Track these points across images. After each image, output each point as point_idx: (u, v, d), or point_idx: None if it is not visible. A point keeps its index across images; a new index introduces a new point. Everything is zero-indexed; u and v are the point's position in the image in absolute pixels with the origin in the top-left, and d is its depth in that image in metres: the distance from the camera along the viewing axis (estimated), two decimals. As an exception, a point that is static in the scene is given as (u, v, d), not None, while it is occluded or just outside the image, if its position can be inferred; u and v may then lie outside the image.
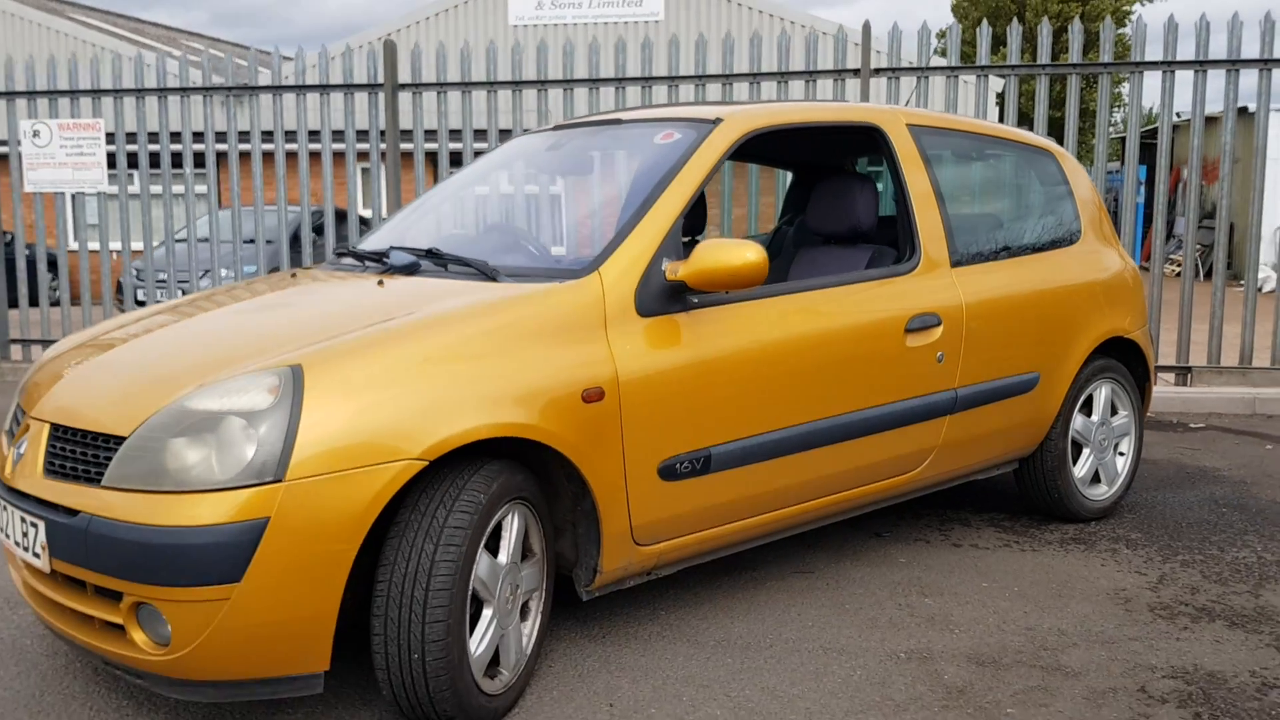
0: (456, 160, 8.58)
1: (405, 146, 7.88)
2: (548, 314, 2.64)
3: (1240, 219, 14.10)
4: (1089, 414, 4.15)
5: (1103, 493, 4.23)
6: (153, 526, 2.21)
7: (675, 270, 2.81)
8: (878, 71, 7.14)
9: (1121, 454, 4.31)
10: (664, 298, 2.83)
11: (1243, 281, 6.64)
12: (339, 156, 11.57)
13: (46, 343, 8.24)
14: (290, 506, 2.22)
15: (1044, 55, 7.03)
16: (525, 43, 15.12)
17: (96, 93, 7.96)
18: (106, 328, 3.14)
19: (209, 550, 2.19)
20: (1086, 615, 3.24)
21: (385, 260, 3.14)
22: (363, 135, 7.78)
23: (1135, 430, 4.33)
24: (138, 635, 2.31)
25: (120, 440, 2.34)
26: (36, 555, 2.45)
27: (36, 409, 2.62)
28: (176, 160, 8.56)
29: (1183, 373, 6.99)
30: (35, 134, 7.94)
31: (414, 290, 2.85)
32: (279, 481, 2.22)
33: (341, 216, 10.33)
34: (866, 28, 7.07)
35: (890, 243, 3.79)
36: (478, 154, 5.70)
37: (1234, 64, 6.78)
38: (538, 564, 2.71)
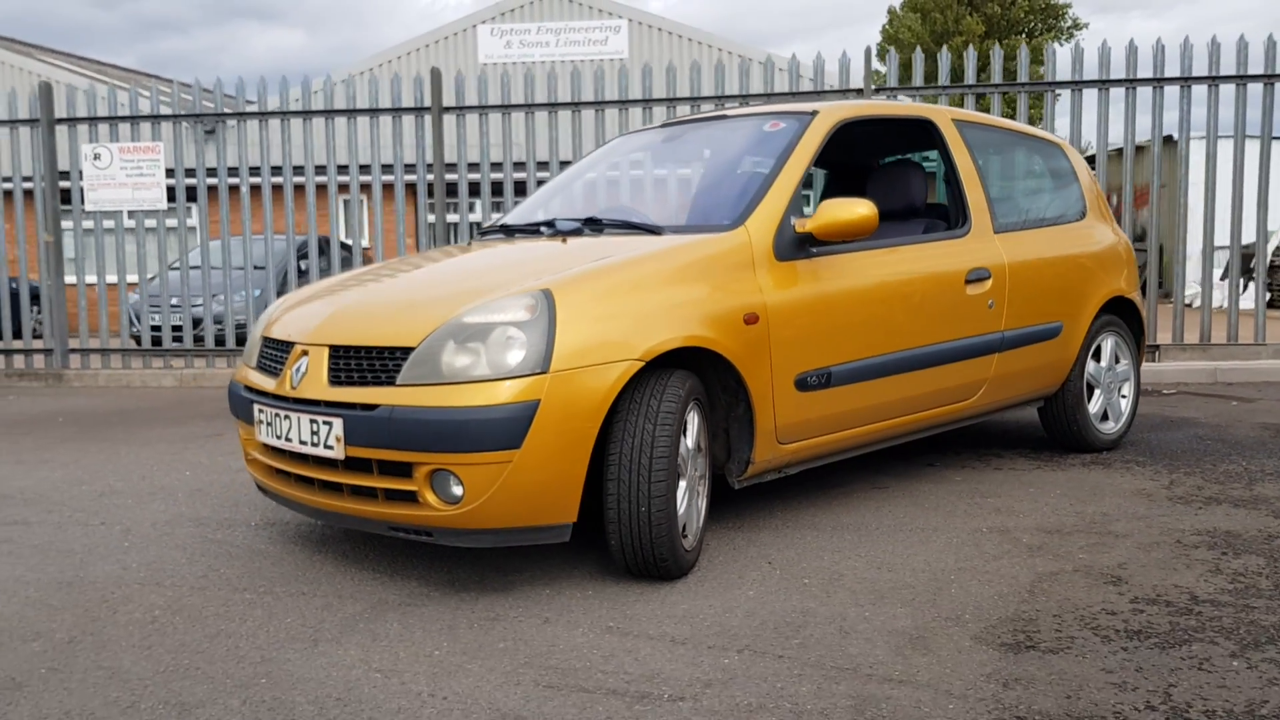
0: (480, 186, 9.30)
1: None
2: (714, 256, 3.38)
3: (1168, 241, 15.19)
4: (1098, 360, 4.96)
5: (1111, 428, 5.04)
6: (451, 408, 2.90)
7: (804, 224, 3.57)
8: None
9: (1124, 396, 5.13)
10: (793, 246, 3.58)
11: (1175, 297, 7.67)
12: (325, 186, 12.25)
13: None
14: (554, 392, 2.92)
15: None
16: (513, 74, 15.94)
17: (155, 118, 8.56)
18: (324, 285, 3.83)
19: (497, 424, 2.88)
20: (1120, 504, 4.02)
21: (552, 227, 3.86)
22: (408, 168, 8.47)
23: (1134, 377, 5.16)
24: (430, 497, 2.99)
25: (408, 350, 3.03)
26: (329, 447, 3.11)
27: (307, 338, 3.29)
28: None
29: (1152, 350, 7.89)
30: (96, 157, 8.52)
31: (598, 244, 3.57)
32: (545, 373, 2.92)
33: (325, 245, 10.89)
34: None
35: (933, 219, 4.58)
36: (520, 181, 6.40)
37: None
38: (704, 456, 3.42)
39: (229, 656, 2.71)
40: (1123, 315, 5.12)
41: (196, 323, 9.22)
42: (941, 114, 4.47)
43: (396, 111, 8.26)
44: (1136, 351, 5.19)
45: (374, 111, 8.32)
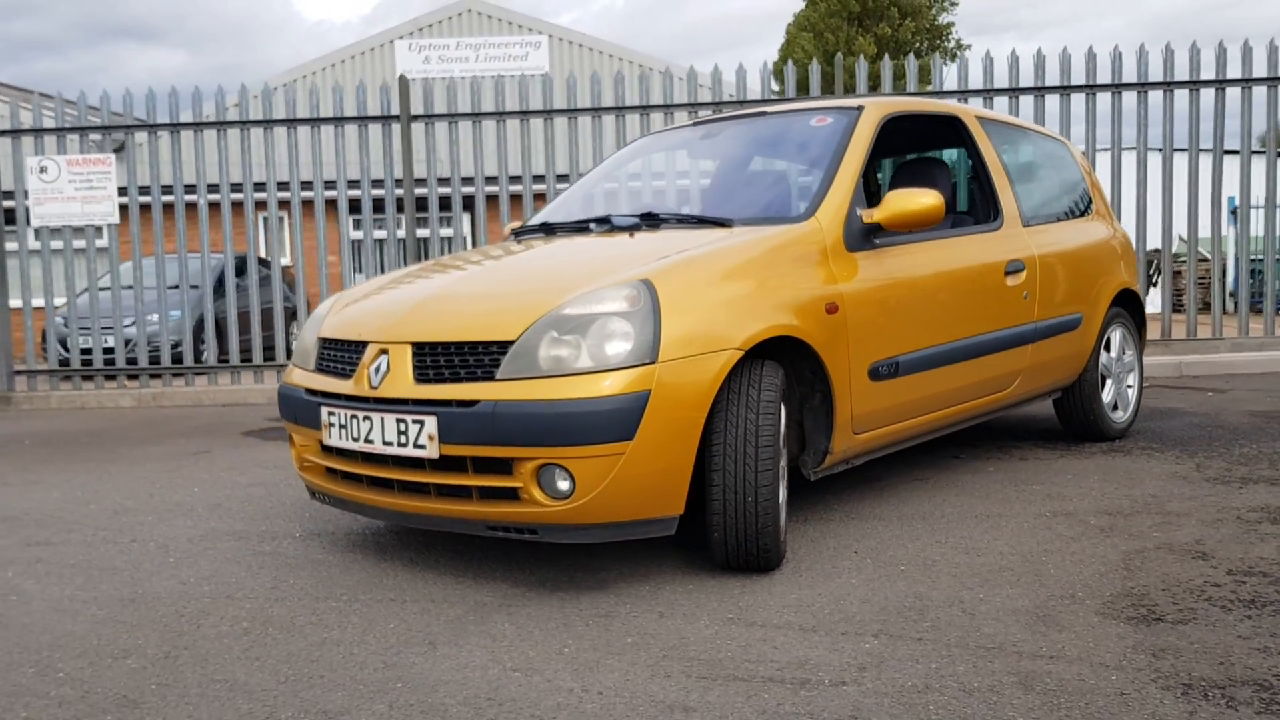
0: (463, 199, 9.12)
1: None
2: (794, 246, 3.38)
3: None
4: (1109, 351, 5.09)
5: (1121, 417, 5.17)
6: (560, 400, 2.83)
7: (871, 214, 3.59)
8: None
9: (1130, 386, 5.26)
10: (860, 237, 3.59)
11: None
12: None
13: None
14: (663, 382, 2.88)
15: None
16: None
17: (107, 129, 8.25)
18: (374, 285, 3.73)
19: (611, 415, 2.82)
20: (1163, 486, 4.12)
21: (608, 223, 3.81)
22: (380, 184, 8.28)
23: (1139, 367, 5.30)
24: (536, 493, 2.91)
25: (506, 344, 2.95)
26: (420, 447, 3.01)
27: (384, 337, 3.19)
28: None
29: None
30: (43, 170, 8.17)
31: (670, 237, 3.53)
32: (654, 363, 2.87)
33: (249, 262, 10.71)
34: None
35: (958, 214, 4.65)
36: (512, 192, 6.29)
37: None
38: (784, 448, 3.40)
39: (348, 663, 2.60)
40: (1127, 307, 5.25)
41: (126, 343, 8.94)
42: (967, 111, 4.55)
43: (363, 120, 8.10)
44: (1139, 343, 5.33)
45: (339, 120, 8.14)
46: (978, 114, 4.62)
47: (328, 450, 3.38)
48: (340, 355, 3.37)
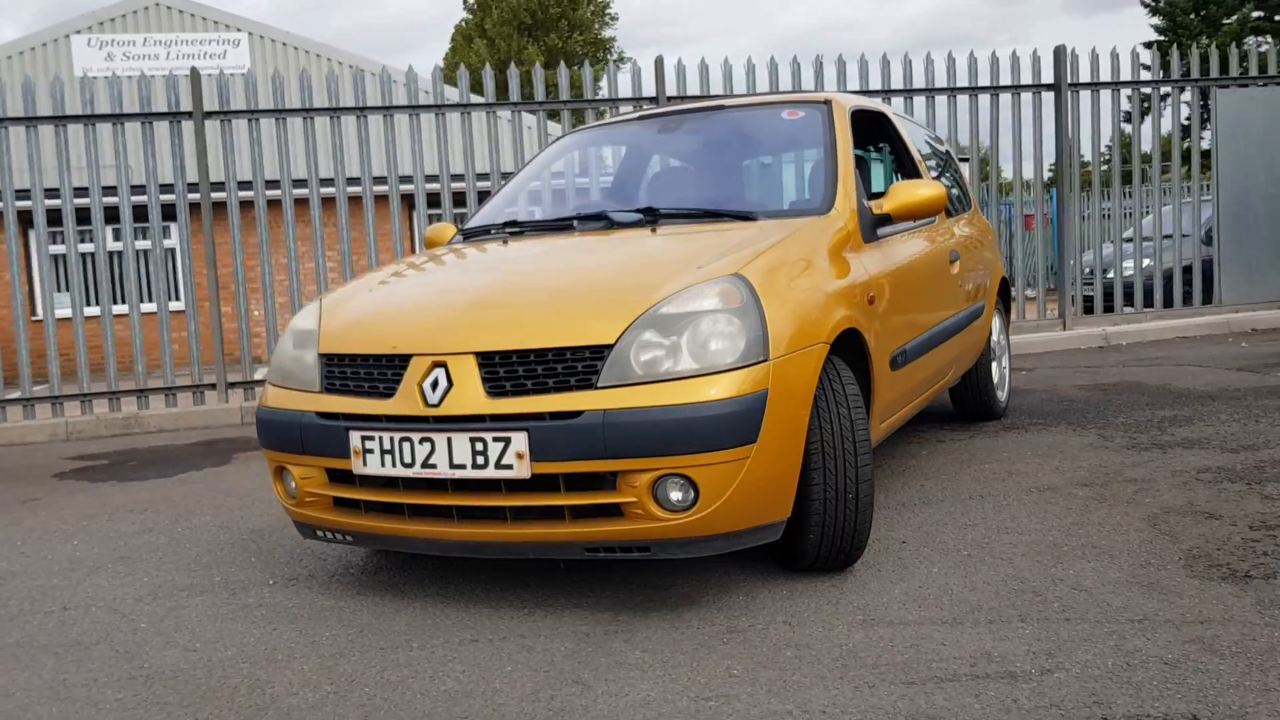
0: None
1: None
2: (830, 238, 3.32)
3: None
4: (994, 336, 5.41)
5: (1002, 396, 5.51)
6: (680, 406, 2.63)
7: (880, 205, 3.60)
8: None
9: (1004, 368, 5.62)
10: (870, 228, 3.60)
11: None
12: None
13: None
14: (777, 380, 2.74)
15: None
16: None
17: None
18: (365, 291, 3.33)
19: (735, 418, 2.65)
20: (1098, 457, 4.41)
21: (603, 219, 3.59)
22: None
23: (1009, 349, 5.67)
24: (652, 507, 2.68)
25: (601, 349, 2.71)
26: (505, 467, 2.71)
27: (437, 348, 2.84)
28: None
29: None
30: None
31: (699, 231, 3.37)
32: (767, 361, 2.73)
33: None
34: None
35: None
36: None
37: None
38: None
39: (508, 714, 2.29)
40: (1001, 294, 5.61)
41: None
42: (888, 109, 4.68)
43: (147, 117, 7.23)
44: (1007, 326, 5.71)
45: (119, 117, 7.22)
46: (894, 112, 4.76)
47: (356, 480, 2.98)
48: (368, 371, 2.97)
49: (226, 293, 12.67)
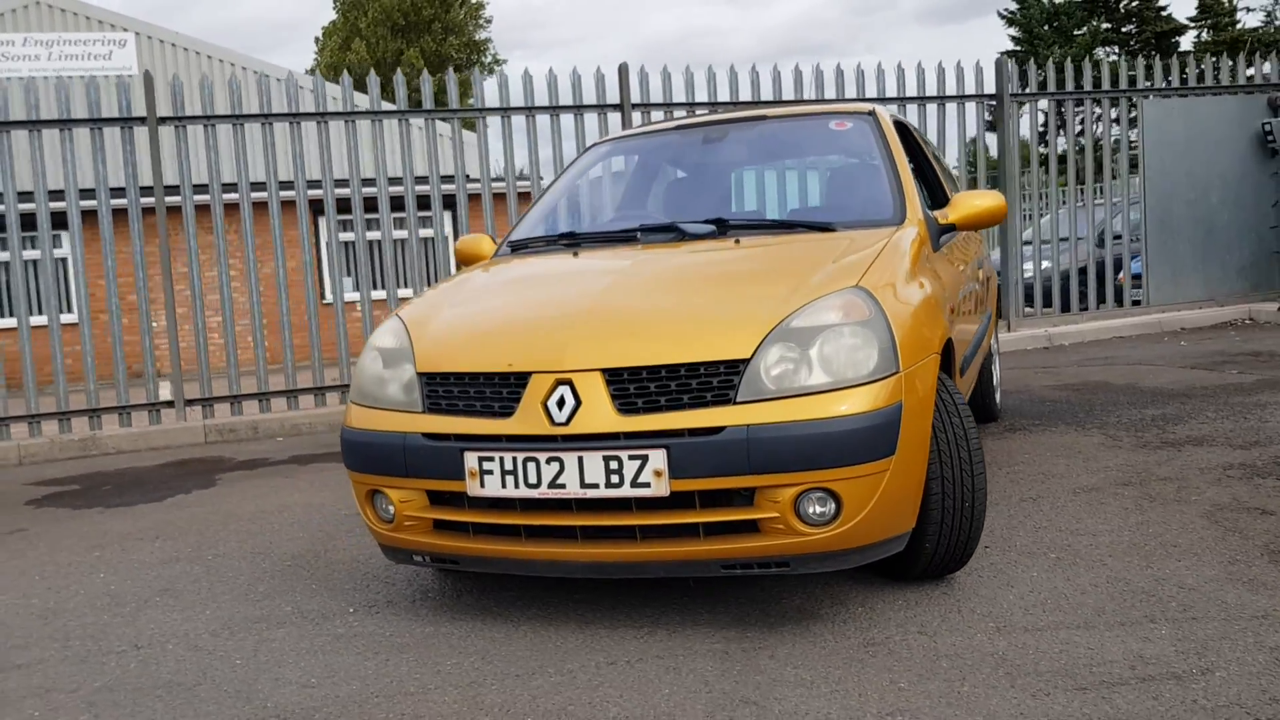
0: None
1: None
2: (915, 249, 3.36)
3: None
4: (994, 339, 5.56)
5: (998, 399, 5.66)
6: (819, 420, 2.62)
7: (945, 215, 3.65)
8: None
9: (997, 370, 5.78)
10: (936, 238, 3.65)
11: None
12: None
13: None
14: (908, 392, 2.76)
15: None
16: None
17: None
18: (450, 305, 3.24)
19: (877, 431, 2.66)
20: (1120, 457, 4.56)
21: (674, 230, 3.56)
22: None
23: (998, 354, 5.83)
24: (795, 522, 2.66)
25: (736, 363, 2.69)
26: (641, 485, 2.66)
27: (556, 365, 2.78)
28: None
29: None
30: None
31: (788, 243, 3.36)
32: (899, 373, 2.75)
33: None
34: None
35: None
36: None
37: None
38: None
39: (701, 741, 2.25)
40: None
41: None
42: (909, 122, 4.76)
43: (96, 123, 6.88)
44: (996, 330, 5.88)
45: (65, 123, 6.85)
46: (911, 123, 4.85)
47: (464, 502, 2.89)
48: (480, 390, 2.88)
49: (126, 303, 12.18)
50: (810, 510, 2.67)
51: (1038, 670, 2.47)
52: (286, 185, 9.17)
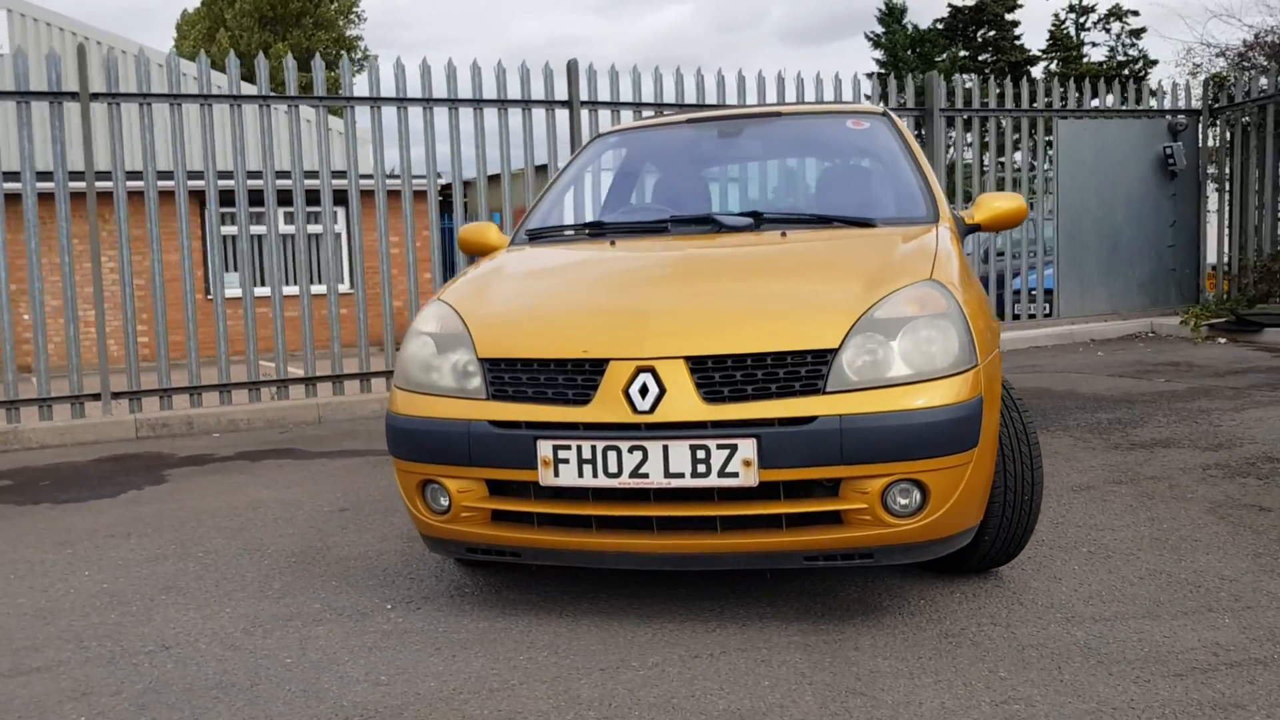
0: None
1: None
2: (959, 245, 3.40)
3: None
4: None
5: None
6: (913, 411, 2.62)
7: (972, 216, 3.71)
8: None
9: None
10: (963, 236, 3.71)
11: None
12: None
13: None
14: (986, 386, 2.79)
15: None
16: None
17: None
18: (504, 285, 3.14)
19: (963, 423, 2.67)
20: (1108, 459, 4.71)
21: (713, 222, 3.53)
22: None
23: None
24: (881, 513, 2.65)
25: (824, 353, 2.67)
26: (729, 475, 2.62)
27: (637, 352, 2.71)
28: None
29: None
30: None
31: (835, 237, 3.36)
32: (978, 366, 2.77)
33: None
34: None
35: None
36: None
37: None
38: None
39: (827, 732, 2.22)
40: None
41: None
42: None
43: (24, 96, 6.46)
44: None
45: (-14, 95, 6.41)
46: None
47: (530, 492, 2.80)
48: (552, 377, 2.79)
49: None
50: (897, 501, 2.67)
51: (1126, 659, 2.52)
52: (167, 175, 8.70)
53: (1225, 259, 10.84)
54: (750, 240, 3.41)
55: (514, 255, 3.61)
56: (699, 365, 2.69)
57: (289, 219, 10.25)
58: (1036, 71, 36.10)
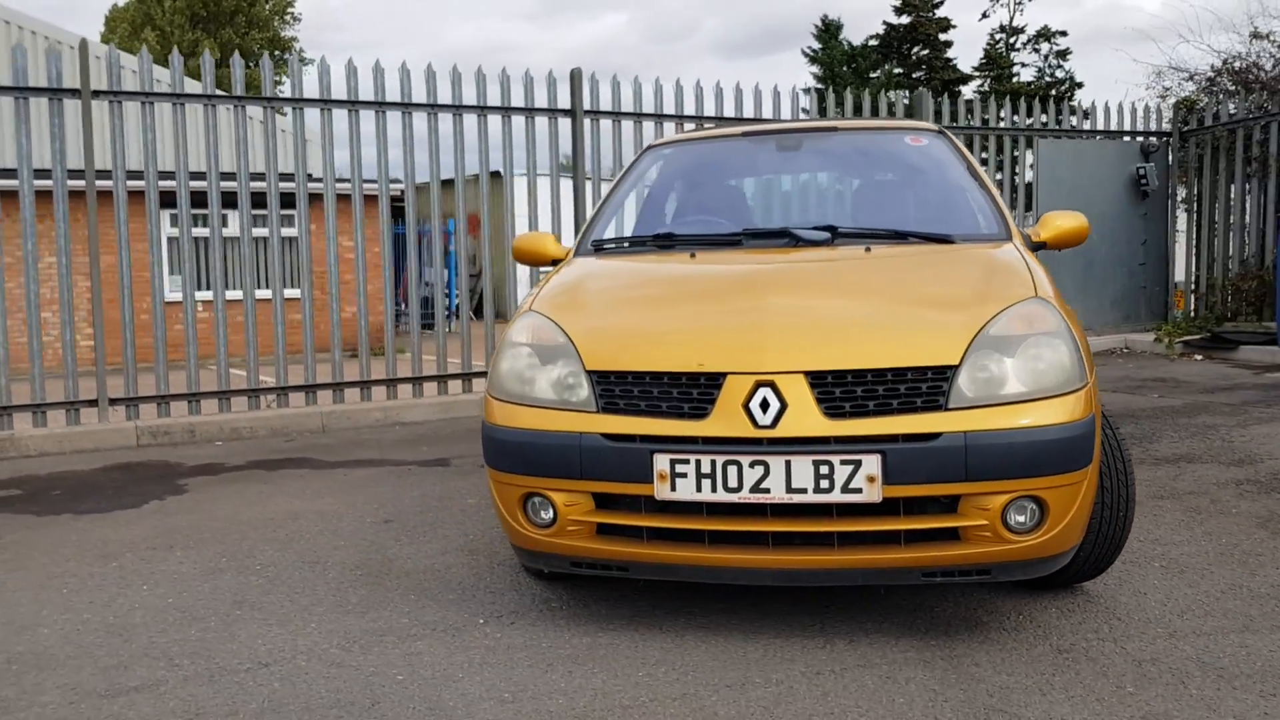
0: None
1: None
2: (1040, 262, 3.44)
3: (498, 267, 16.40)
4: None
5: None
6: (1035, 428, 2.65)
7: (1038, 233, 3.76)
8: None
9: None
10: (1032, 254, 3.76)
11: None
12: None
13: None
14: (1095, 403, 2.83)
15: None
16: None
17: None
18: (599, 295, 3.13)
19: (1081, 441, 2.70)
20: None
21: (790, 236, 3.53)
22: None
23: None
24: (1001, 529, 2.67)
25: (945, 369, 2.69)
26: (853, 490, 2.62)
27: (755, 366, 2.71)
28: None
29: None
30: None
31: (921, 253, 3.38)
32: (1087, 384, 2.81)
33: None
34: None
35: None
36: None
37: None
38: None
39: (983, 749, 2.23)
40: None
41: None
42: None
43: (23, 92, 6.27)
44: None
45: (-16, 91, 6.21)
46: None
47: (641, 505, 2.78)
48: (666, 391, 2.77)
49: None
50: (1015, 518, 2.69)
51: (1244, 672, 2.57)
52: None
53: (1193, 277, 11.12)
54: (834, 255, 3.41)
55: (592, 266, 3.58)
56: (819, 380, 2.69)
57: (288, 222, 10.09)
58: (968, 90, 36.84)
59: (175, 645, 2.95)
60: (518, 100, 7.67)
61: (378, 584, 3.45)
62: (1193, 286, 11.11)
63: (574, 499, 2.83)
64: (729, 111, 8.44)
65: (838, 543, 2.71)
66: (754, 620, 2.99)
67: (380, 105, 7.21)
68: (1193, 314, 10.94)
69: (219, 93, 6.79)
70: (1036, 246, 3.77)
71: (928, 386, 2.68)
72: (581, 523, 2.84)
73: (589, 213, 7.88)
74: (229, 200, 7.04)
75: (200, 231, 10.73)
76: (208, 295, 10.42)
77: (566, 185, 7.97)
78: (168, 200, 7.43)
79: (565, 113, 7.83)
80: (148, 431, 6.43)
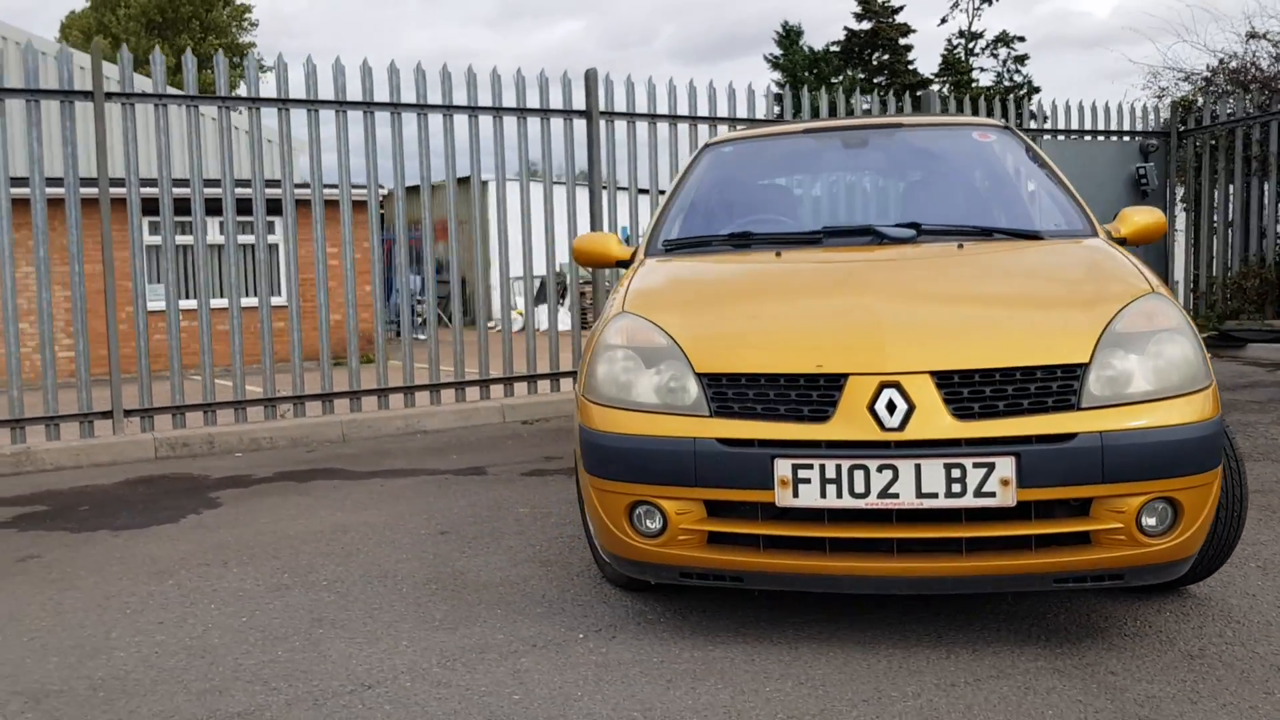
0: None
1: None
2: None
3: (469, 273, 16.11)
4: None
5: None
6: (1169, 428, 2.57)
7: (1118, 229, 3.69)
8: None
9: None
10: (1115, 250, 3.70)
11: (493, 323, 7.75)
12: None
13: None
14: (1219, 403, 2.75)
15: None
16: None
17: None
18: (696, 288, 3.03)
19: (1212, 441, 2.63)
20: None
21: (874, 233, 3.44)
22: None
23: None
24: (1137, 533, 2.59)
25: (1074, 368, 2.61)
26: (986, 495, 2.54)
27: (879, 367, 2.62)
28: None
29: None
30: None
31: (1016, 249, 3.31)
32: (1214, 383, 2.73)
33: None
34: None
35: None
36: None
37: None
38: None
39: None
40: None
41: None
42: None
43: (34, 94, 6.08)
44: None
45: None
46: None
47: (757, 512, 2.68)
48: (783, 393, 2.67)
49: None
50: (1149, 521, 2.61)
51: (1392, 676, 2.50)
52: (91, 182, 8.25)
53: (1192, 276, 11.16)
54: (924, 252, 3.33)
55: (673, 266, 3.48)
56: (945, 380, 2.60)
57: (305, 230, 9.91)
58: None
59: (265, 667, 2.81)
60: (533, 101, 7.55)
61: (457, 598, 3.33)
62: (1192, 285, 11.15)
63: (685, 507, 2.73)
64: (761, 113, 8.36)
65: (965, 549, 2.62)
66: (865, 630, 2.90)
67: (396, 106, 7.07)
68: (1193, 313, 10.97)
69: (238, 94, 6.62)
70: (1119, 242, 3.70)
71: (1058, 386, 2.60)
72: (693, 531, 2.74)
73: (604, 215, 7.77)
74: (244, 207, 6.87)
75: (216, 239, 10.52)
76: (222, 303, 10.24)
77: (565, 188, 7.83)
78: (182, 208, 7.25)
79: (580, 114, 7.72)
80: (166, 443, 6.25)
